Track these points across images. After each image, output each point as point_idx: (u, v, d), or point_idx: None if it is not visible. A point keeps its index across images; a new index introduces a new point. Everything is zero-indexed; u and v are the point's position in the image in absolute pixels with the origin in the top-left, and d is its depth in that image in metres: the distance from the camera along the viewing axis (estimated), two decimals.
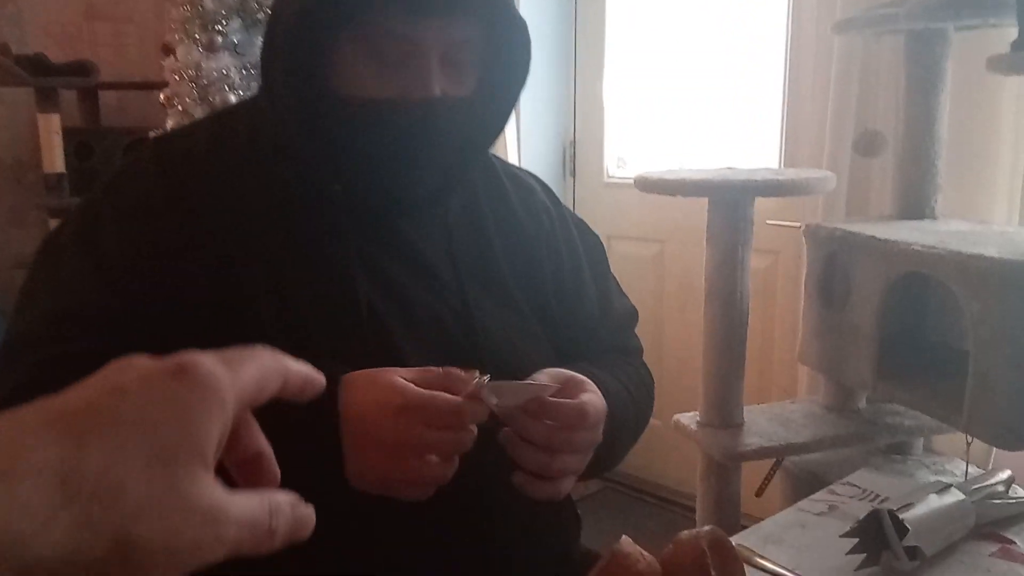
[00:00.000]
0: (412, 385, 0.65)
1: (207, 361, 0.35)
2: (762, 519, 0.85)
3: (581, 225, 1.00)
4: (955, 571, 0.71)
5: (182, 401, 0.34)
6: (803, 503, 0.88)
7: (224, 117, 0.86)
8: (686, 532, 0.65)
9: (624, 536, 0.63)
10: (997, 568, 0.71)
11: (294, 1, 0.73)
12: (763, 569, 0.72)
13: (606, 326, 0.96)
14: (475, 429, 0.65)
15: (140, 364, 0.35)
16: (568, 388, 0.73)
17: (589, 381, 0.75)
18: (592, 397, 0.73)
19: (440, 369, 0.66)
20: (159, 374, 0.34)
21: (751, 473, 1.68)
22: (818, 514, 0.83)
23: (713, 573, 0.62)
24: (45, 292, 0.75)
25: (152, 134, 2.45)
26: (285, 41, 0.74)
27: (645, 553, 0.62)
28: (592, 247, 0.99)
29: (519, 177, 0.96)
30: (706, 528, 0.65)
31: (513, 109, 0.84)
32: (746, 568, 0.67)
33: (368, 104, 0.75)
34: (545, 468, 0.69)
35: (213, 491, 0.33)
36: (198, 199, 0.76)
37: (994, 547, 0.74)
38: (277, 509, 0.36)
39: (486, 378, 0.62)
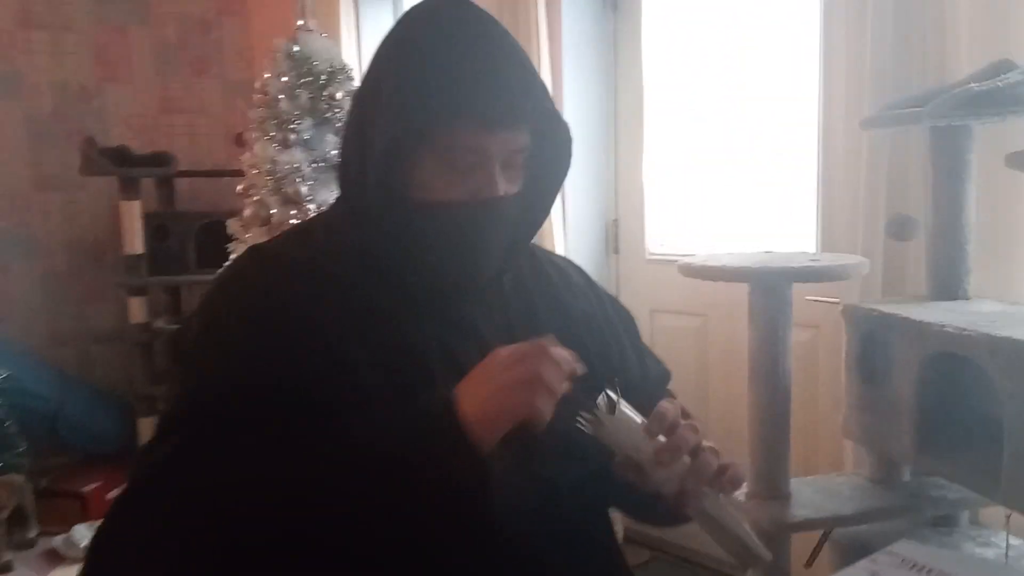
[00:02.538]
0: None
1: None
2: None
3: (613, 301, 1.13)
4: None
5: None
6: (845, 571, 0.96)
7: (304, 230, 1.01)
8: None
9: None
10: None
11: (387, 129, 0.86)
12: None
13: (645, 389, 1.06)
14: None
15: None
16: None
17: None
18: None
19: None
20: None
21: (800, 543, 1.75)
22: None
23: None
24: (181, 382, 0.90)
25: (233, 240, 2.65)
26: (379, 161, 0.87)
27: None
28: (625, 319, 1.12)
29: (557, 263, 1.10)
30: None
31: (556, 199, 0.98)
32: None
33: (442, 206, 0.88)
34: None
35: None
36: (292, 298, 0.89)
37: None
38: None
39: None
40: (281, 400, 0.84)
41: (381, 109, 0.88)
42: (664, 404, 0.86)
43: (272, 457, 0.81)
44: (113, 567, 0.82)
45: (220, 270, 1.00)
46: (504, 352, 0.82)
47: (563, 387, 0.81)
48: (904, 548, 1.08)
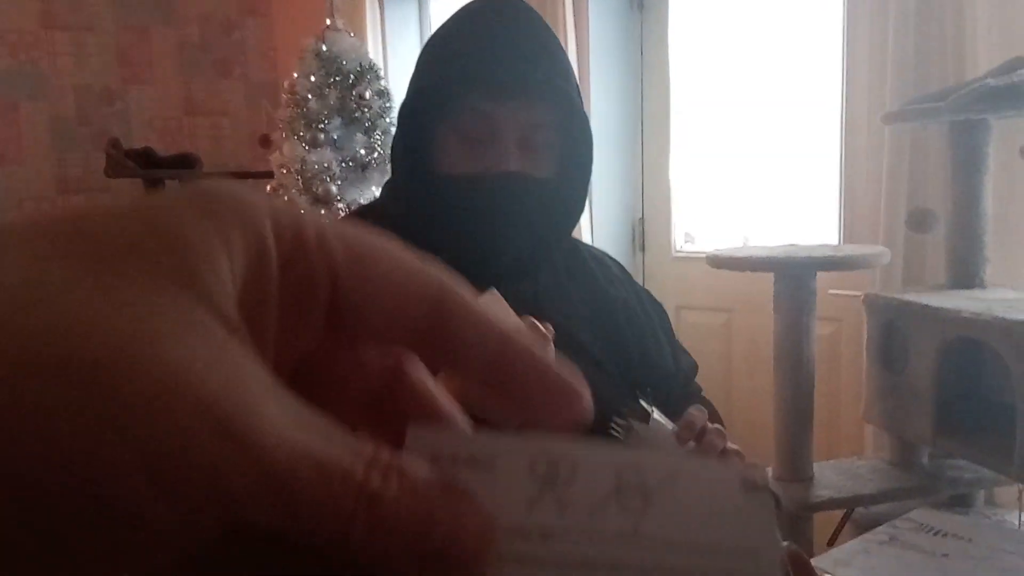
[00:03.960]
0: None
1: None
2: None
3: (648, 294, 1.19)
4: None
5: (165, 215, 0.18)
6: (867, 534, 1.03)
7: (360, 212, 1.12)
8: None
9: None
10: None
11: (406, 100, 0.95)
12: None
13: (677, 380, 1.13)
14: None
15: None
16: None
17: None
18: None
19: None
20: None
21: (822, 524, 1.81)
22: (880, 543, 0.98)
23: None
24: None
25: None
26: (400, 130, 0.94)
27: None
28: (659, 312, 1.18)
29: (598, 256, 1.16)
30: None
31: (586, 193, 1.03)
32: None
33: (458, 179, 0.94)
34: None
35: (240, 364, 0.17)
36: None
37: None
38: (385, 462, 0.18)
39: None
40: None
41: (409, 87, 0.96)
42: (693, 411, 0.92)
43: None
44: None
45: None
46: None
47: None
48: (921, 515, 1.14)
